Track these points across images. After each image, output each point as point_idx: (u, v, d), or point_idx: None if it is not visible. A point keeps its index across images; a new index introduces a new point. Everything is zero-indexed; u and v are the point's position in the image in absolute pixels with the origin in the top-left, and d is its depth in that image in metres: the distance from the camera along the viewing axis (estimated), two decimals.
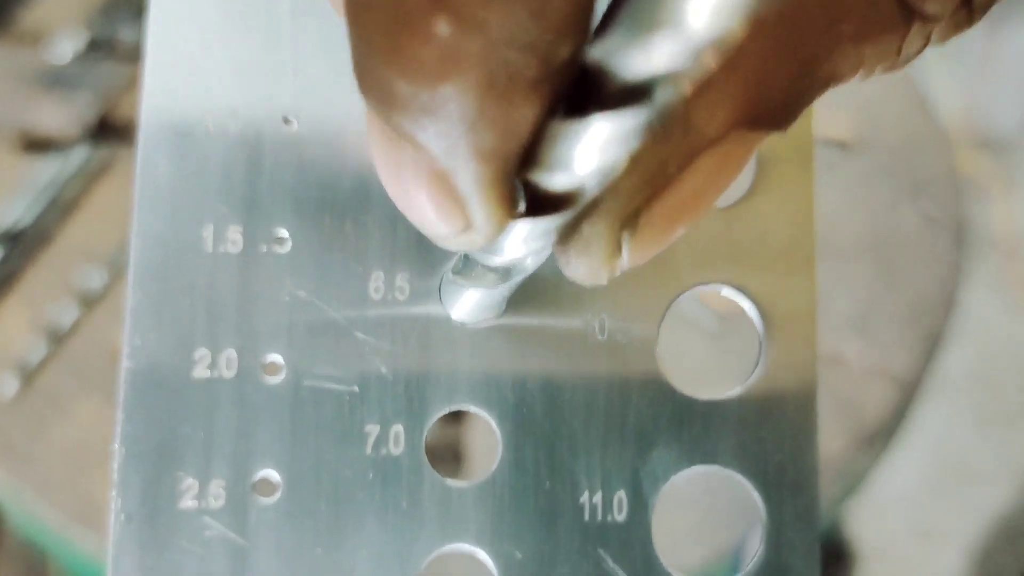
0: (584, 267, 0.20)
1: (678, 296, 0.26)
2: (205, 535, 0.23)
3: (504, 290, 0.22)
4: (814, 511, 0.25)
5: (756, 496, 0.25)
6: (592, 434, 0.25)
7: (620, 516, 0.24)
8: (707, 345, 0.62)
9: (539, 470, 0.24)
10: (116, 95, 0.75)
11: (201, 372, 0.23)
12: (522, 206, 0.18)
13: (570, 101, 0.16)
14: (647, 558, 0.24)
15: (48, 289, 0.65)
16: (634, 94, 0.15)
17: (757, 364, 0.26)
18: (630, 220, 0.20)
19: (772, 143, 0.25)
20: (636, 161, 0.17)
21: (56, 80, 0.74)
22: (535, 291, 0.25)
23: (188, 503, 0.23)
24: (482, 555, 0.24)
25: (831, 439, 0.60)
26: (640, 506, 0.25)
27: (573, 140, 0.16)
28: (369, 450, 0.24)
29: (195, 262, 0.24)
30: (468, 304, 0.24)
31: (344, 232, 0.24)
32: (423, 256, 0.25)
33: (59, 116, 0.73)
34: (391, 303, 0.24)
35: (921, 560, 1.25)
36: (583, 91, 0.16)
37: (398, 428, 0.24)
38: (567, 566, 0.24)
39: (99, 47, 0.76)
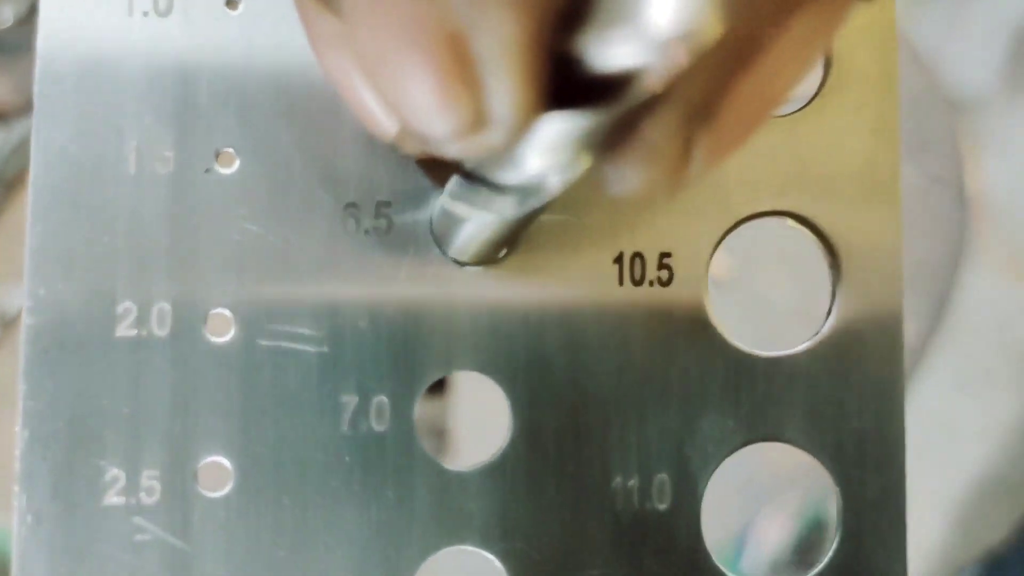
0: (643, 179, 0.15)
1: (731, 229, 0.20)
2: (136, 539, 0.18)
3: (515, 220, 0.17)
4: (901, 492, 0.20)
5: (830, 478, 0.20)
6: (626, 402, 0.19)
7: (662, 505, 0.19)
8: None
9: (560, 448, 0.19)
10: None
11: (126, 330, 0.18)
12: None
13: None
14: (695, 556, 0.19)
15: None
16: None
17: (829, 313, 0.20)
18: (704, 110, 0.14)
19: (847, 32, 0.20)
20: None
21: None
22: (552, 222, 0.19)
23: (113, 499, 0.18)
24: (490, 557, 0.19)
25: None
26: (687, 492, 0.19)
27: None
28: (345, 426, 0.18)
29: (116, 187, 0.18)
30: (468, 239, 0.18)
31: (306, 147, 0.19)
32: (409, 178, 0.19)
33: (2, 85, 0.68)
34: (369, 238, 0.19)
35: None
36: None
37: (381, 398, 0.19)
38: (596, 568, 0.19)
39: None
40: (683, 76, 0.13)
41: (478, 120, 0.12)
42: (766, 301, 0.60)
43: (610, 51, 0.11)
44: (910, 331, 0.59)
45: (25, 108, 0.68)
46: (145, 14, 0.19)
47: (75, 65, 0.19)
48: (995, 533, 0.95)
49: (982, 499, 1.11)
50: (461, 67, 0.12)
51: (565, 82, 0.12)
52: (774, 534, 0.58)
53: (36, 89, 0.19)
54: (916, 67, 0.73)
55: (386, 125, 0.16)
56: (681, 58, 0.11)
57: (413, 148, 0.17)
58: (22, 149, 0.66)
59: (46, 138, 0.19)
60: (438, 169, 0.19)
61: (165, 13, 0.19)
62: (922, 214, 0.67)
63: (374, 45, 0.13)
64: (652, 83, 0.12)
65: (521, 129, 0.13)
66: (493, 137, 0.13)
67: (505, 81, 0.12)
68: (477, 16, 0.11)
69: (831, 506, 0.20)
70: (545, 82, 0.12)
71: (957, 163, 0.70)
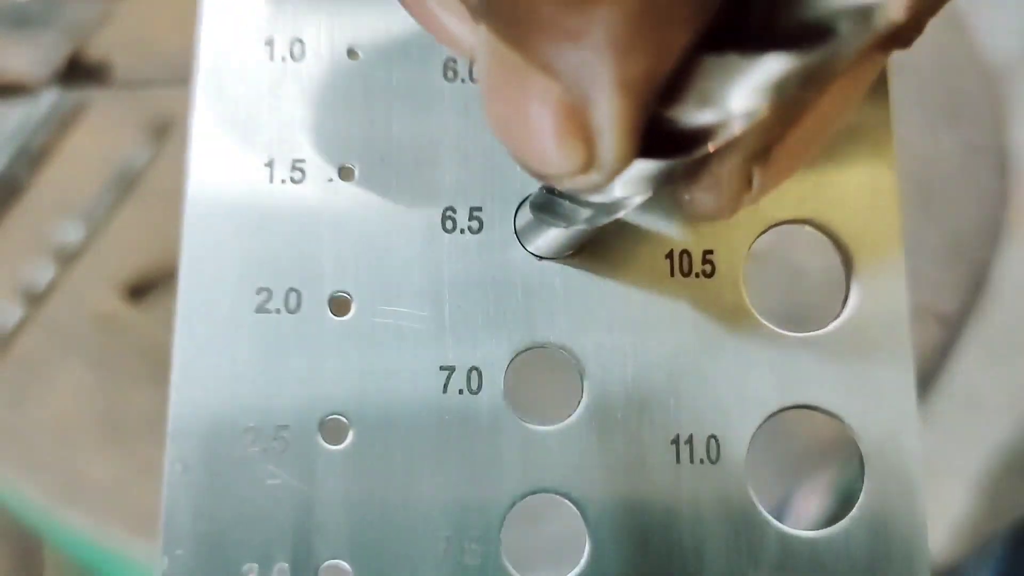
0: (710, 204, 0.21)
1: (762, 233, 0.26)
2: (268, 483, 0.24)
3: (590, 229, 0.23)
4: (916, 457, 0.26)
5: (855, 438, 0.26)
6: (681, 373, 0.25)
7: (714, 459, 0.25)
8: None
9: (626, 411, 0.25)
10: (86, 33, 0.74)
11: (272, 305, 0.24)
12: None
13: (712, 35, 0.16)
14: (743, 503, 0.25)
15: (21, 245, 0.65)
16: (815, 30, 0.15)
17: (844, 302, 0.27)
18: (762, 153, 0.20)
19: None
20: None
21: (20, 19, 0.74)
22: (613, 226, 0.25)
23: (252, 449, 0.24)
24: (568, 503, 0.25)
25: None
26: (735, 448, 0.25)
27: (735, 75, 0.16)
28: (444, 391, 0.25)
29: (256, 196, 0.24)
30: (548, 241, 0.24)
31: (413, 163, 0.25)
32: (497, 187, 0.25)
33: (25, 58, 0.73)
34: (464, 236, 0.25)
35: (929, 495, 1.27)
36: (730, 24, 0.16)
37: (475, 367, 0.25)
38: (660, 513, 0.25)
39: None
40: (748, 130, 0.19)
41: (589, 164, 0.18)
42: (799, 271, 0.64)
43: (696, 118, 0.17)
44: (948, 302, 0.64)
45: (49, 80, 0.72)
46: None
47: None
48: (1022, 505, 0.99)
49: (1010, 470, 1.16)
50: (580, 129, 0.17)
51: (656, 136, 0.18)
52: (812, 509, 0.63)
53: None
54: (953, 33, 0.77)
55: (469, 45, 0.20)
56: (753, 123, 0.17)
57: None
58: (48, 122, 0.70)
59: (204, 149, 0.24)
60: None
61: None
62: (960, 183, 0.70)
63: (508, 120, 0.18)
64: (722, 140, 0.18)
65: (620, 171, 0.18)
66: (595, 179, 0.18)
67: (612, 140, 0.17)
68: (593, 94, 0.16)
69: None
70: (640, 137, 0.17)
71: (996, 131, 0.73)
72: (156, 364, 0.60)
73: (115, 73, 0.74)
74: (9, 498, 0.62)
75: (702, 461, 0.25)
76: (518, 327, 0.25)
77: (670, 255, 0.26)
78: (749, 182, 0.20)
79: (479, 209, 0.25)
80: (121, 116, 0.71)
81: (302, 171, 0.25)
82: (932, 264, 0.66)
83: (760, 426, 0.25)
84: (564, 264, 0.25)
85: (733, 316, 0.26)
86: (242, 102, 0.25)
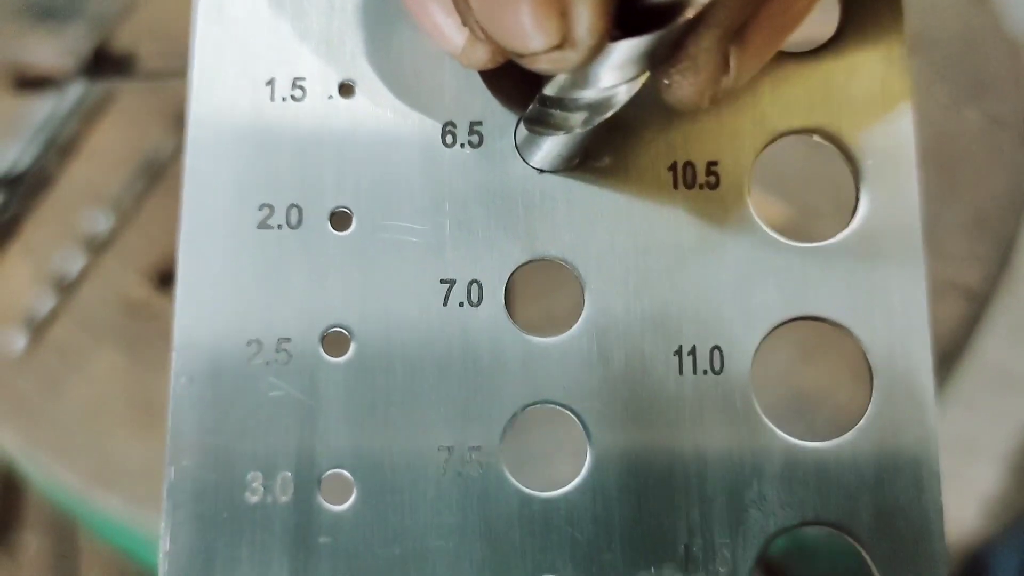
0: (689, 87, 0.20)
1: (767, 145, 0.26)
2: (271, 395, 0.24)
3: (583, 136, 0.23)
4: (926, 368, 0.25)
5: (863, 348, 0.25)
6: (684, 284, 0.25)
7: (718, 370, 0.25)
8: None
9: (629, 322, 0.25)
10: (110, 24, 0.75)
11: (273, 221, 0.24)
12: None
13: None
14: (749, 413, 0.25)
15: (51, 236, 0.65)
16: None
17: (854, 212, 0.26)
18: (737, 32, 0.20)
19: None
20: None
21: (45, 11, 0.74)
22: (614, 138, 0.25)
23: (256, 361, 0.24)
24: (570, 413, 0.25)
25: None
26: (738, 360, 0.25)
27: None
28: (445, 303, 0.24)
29: (257, 115, 0.24)
30: (546, 152, 0.24)
31: (412, 77, 0.25)
32: (498, 103, 0.25)
33: (51, 50, 0.73)
34: (464, 151, 0.25)
35: (959, 473, 1.26)
36: None
37: (476, 280, 0.25)
38: (662, 425, 0.25)
39: None
40: (720, 3, 0.19)
41: (563, 41, 0.18)
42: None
43: None
44: (972, 277, 0.63)
45: (75, 72, 0.73)
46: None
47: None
48: None
49: None
50: (555, 2, 0.18)
51: (630, 12, 0.18)
52: None
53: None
54: (977, 8, 0.76)
55: (454, 41, 0.22)
56: None
57: (474, 63, 0.22)
58: (75, 114, 0.70)
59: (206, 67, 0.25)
60: (499, 82, 0.25)
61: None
62: (984, 157, 0.70)
63: None
64: (696, 8, 0.18)
65: (595, 51, 0.18)
66: (572, 57, 0.19)
67: (586, 11, 0.18)
68: None
69: None
70: (614, 13, 0.18)
71: (1020, 105, 0.72)
72: None
73: (140, 64, 0.74)
74: (45, 483, 0.62)
75: (705, 372, 0.25)
76: (519, 240, 0.25)
77: (673, 167, 0.25)
78: (726, 63, 0.20)
79: (479, 123, 0.25)
80: (147, 106, 0.72)
81: (303, 88, 0.25)
82: (956, 239, 0.65)
83: (765, 337, 0.25)
84: (566, 177, 0.25)
85: (738, 227, 0.25)
86: (242, 22, 0.25)
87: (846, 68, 0.26)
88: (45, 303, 0.63)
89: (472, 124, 0.25)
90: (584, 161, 0.25)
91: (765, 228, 0.25)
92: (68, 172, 0.69)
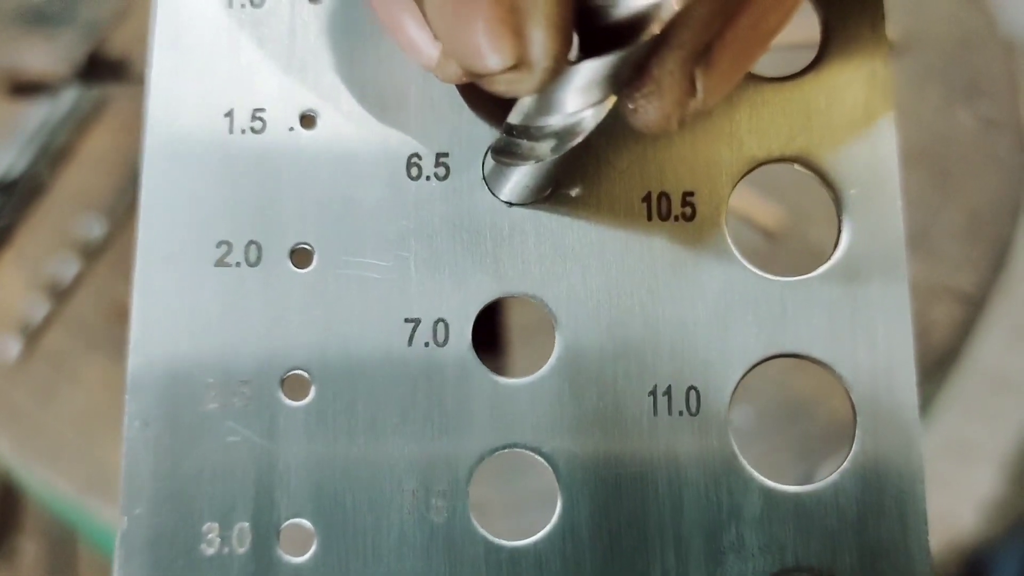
0: (654, 111, 0.19)
1: (745, 174, 0.25)
2: (228, 440, 0.22)
3: (552, 163, 0.21)
4: (912, 405, 0.24)
5: (846, 387, 0.24)
6: (659, 321, 0.24)
7: (694, 411, 0.23)
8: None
9: (602, 361, 0.23)
10: (104, 30, 0.74)
11: (225, 265, 0.23)
12: (576, 52, 0.17)
13: None
14: (726, 455, 0.23)
15: (45, 242, 0.64)
16: None
17: (836, 244, 0.25)
18: (703, 54, 0.19)
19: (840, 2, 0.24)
20: None
21: (38, 18, 0.73)
22: (585, 167, 0.24)
23: (212, 404, 0.22)
24: (540, 458, 0.23)
25: None
26: (715, 401, 0.24)
27: None
28: (410, 343, 0.23)
29: (215, 146, 0.23)
30: (514, 184, 0.23)
31: (375, 108, 0.23)
32: (463, 132, 0.24)
33: (44, 56, 0.72)
34: (430, 183, 0.23)
35: (957, 477, 1.25)
36: None
37: (442, 319, 0.23)
38: (636, 468, 0.23)
39: None
40: (683, 23, 0.18)
41: (519, 62, 0.17)
42: (816, 251, 0.63)
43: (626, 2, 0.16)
44: (968, 280, 0.62)
45: (69, 77, 0.71)
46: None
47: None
48: None
49: None
50: (510, 19, 0.17)
51: (591, 34, 0.17)
52: None
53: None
54: (971, 8, 0.75)
55: (428, 54, 0.21)
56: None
57: (449, 77, 0.21)
58: (69, 120, 0.69)
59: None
60: (475, 95, 0.24)
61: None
62: (978, 158, 0.68)
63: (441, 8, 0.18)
64: (656, 28, 0.16)
65: (552, 73, 0.17)
66: (529, 78, 0.18)
67: (542, 32, 0.17)
68: None
69: None
70: (570, 34, 0.17)
71: (1014, 106, 0.71)
72: None
73: (134, 69, 0.73)
74: (41, 491, 0.61)
75: (681, 413, 0.23)
76: (487, 276, 0.23)
77: (647, 198, 0.24)
78: (693, 85, 0.19)
79: (446, 155, 0.23)
80: (141, 112, 0.70)
81: (262, 120, 0.23)
82: (951, 242, 0.64)
83: (743, 376, 0.24)
84: (535, 209, 0.24)
85: (715, 260, 0.24)
86: (200, 50, 0.24)
87: (827, 93, 0.25)
88: (38, 310, 0.62)
89: (439, 156, 0.23)
90: (555, 192, 0.24)
91: (743, 261, 0.24)
92: (61, 178, 0.68)
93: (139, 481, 0.22)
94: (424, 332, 0.23)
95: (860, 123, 0.25)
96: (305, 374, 0.23)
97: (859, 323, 0.24)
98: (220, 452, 0.22)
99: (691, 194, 0.24)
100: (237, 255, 0.23)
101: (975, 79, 0.71)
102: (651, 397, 0.23)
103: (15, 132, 0.69)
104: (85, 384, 0.59)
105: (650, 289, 0.24)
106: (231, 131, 0.23)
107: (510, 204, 0.23)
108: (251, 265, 0.23)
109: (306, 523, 0.22)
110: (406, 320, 0.23)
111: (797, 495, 0.23)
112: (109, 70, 0.73)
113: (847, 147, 0.24)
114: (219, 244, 0.23)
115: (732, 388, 0.24)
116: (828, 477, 0.24)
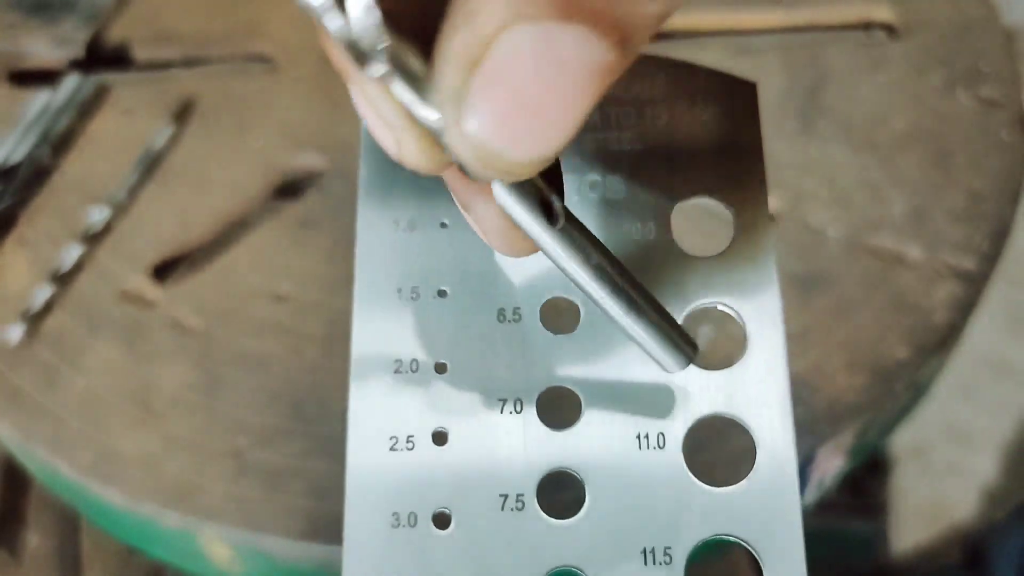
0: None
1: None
2: None
3: None
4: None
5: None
6: None
7: None
8: None
9: None
10: (104, 17, 0.74)
11: None
12: None
13: None
14: None
15: (47, 228, 0.65)
16: None
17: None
18: None
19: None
20: None
21: (39, 5, 0.74)
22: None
23: None
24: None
25: (898, 347, 0.59)
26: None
27: None
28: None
29: None
30: None
31: None
32: None
33: (45, 43, 0.73)
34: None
35: (957, 462, 1.25)
36: None
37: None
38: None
39: None
40: None
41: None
42: (815, 233, 0.63)
43: None
44: (968, 260, 0.62)
45: (70, 66, 0.71)
46: None
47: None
48: None
49: None
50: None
51: None
52: (833, 468, 0.62)
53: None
54: None
55: (392, 151, 0.21)
56: None
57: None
58: (70, 107, 0.69)
59: None
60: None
61: None
62: (978, 140, 0.68)
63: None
64: None
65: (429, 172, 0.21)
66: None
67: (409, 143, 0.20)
68: None
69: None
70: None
71: (1015, 88, 0.71)
72: (182, 340, 0.59)
73: (134, 56, 0.73)
74: (43, 476, 0.61)
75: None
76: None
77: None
78: None
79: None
80: (142, 98, 0.71)
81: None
82: (952, 222, 0.64)
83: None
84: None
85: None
86: None
87: None
88: (40, 294, 0.62)
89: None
90: None
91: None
92: (64, 164, 0.68)
93: None
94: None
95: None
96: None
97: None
98: None
99: None
100: None
101: (976, 63, 0.71)
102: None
103: (16, 119, 0.69)
104: (89, 368, 0.59)
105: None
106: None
107: None
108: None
109: None
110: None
111: None
112: (109, 58, 0.73)
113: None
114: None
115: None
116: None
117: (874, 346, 0.59)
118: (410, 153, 0.20)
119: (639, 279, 0.23)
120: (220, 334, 0.60)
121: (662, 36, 0.69)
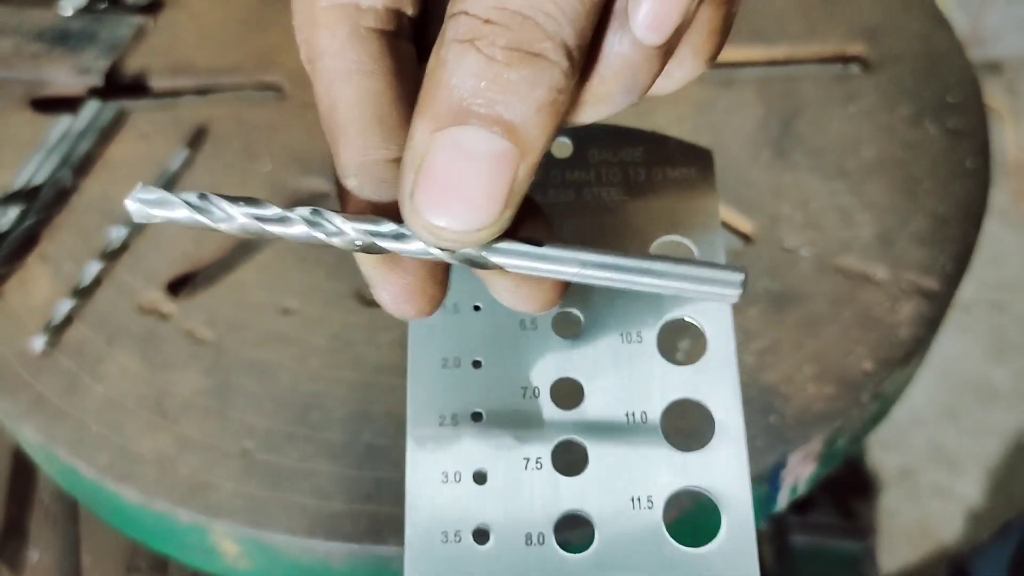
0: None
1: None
2: None
3: None
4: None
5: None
6: None
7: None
8: None
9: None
10: (123, 47, 0.77)
11: None
12: None
13: None
14: None
15: (68, 245, 0.67)
16: None
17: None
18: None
19: None
20: None
21: (61, 35, 0.76)
22: None
23: None
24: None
25: (863, 361, 0.61)
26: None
27: None
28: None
29: None
30: None
31: None
32: None
33: (67, 72, 0.75)
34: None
35: (943, 484, 1.26)
36: None
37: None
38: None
39: None
40: None
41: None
42: (788, 252, 0.65)
43: None
44: (933, 281, 0.64)
45: (90, 93, 0.74)
46: None
47: None
48: None
49: (1022, 459, 1.15)
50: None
51: None
52: (805, 474, 0.63)
53: None
54: (940, 29, 0.78)
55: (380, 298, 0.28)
56: None
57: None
58: (90, 132, 0.72)
59: None
60: None
61: None
62: (945, 168, 0.70)
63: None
64: None
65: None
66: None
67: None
68: None
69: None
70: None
71: (981, 119, 0.73)
72: (194, 350, 0.61)
73: (151, 85, 0.76)
74: (61, 476, 0.63)
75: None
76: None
77: None
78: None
79: None
80: (158, 125, 0.73)
81: None
82: (916, 245, 0.66)
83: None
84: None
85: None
86: None
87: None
88: (63, 308, 0.64)
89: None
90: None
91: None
92: (84, 186, 0.70)
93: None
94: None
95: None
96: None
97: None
98: None
99: None
100: None
101: (943, 96, 0.74)
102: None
103: (39, 143, 0.71)
104: (108, 376, 0.61)
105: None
106: None
107: None
108: None
109: None
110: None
111: None
112: (127, 86, 0.76)
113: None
114: None
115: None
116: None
117: (842, 359, 0.61)
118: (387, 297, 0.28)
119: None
120: (230, 344, 0.62)
121: None
